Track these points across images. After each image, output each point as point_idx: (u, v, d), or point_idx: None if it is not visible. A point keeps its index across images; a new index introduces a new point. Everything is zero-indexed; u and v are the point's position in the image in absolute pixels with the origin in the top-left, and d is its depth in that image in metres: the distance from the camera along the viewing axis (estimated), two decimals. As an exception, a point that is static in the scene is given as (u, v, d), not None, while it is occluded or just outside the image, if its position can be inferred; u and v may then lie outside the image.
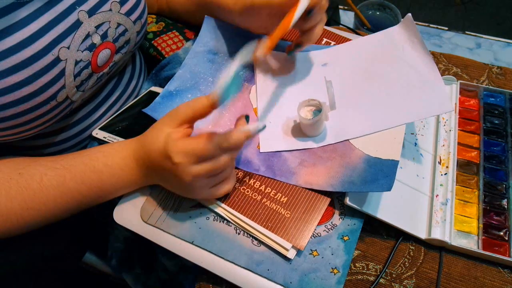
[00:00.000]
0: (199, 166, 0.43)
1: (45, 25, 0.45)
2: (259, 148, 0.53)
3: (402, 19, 0.59)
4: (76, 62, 0.49)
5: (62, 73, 0.47)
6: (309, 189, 0.50)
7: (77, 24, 0.48)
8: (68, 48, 0.47)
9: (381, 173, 0.48)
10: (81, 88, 0.51)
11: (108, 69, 0.55)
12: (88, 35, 0.49)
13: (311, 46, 0.64)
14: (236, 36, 0.63)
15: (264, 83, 0.59)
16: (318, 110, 0.52)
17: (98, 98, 0.60)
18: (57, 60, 0.46)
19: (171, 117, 0.45)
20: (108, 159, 0.47)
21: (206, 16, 0.63)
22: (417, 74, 0.55)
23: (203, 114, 0.44)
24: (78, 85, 0.50)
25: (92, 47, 0.50)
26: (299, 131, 0.54)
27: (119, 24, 0.53)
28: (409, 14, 0.57)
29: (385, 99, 0.54)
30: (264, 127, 0.44)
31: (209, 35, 0.62)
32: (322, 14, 0.52)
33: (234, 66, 0.42)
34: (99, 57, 0.52)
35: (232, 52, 0.62)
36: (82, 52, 0.49)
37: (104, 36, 0.52)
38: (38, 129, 0.50)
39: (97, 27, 0.50)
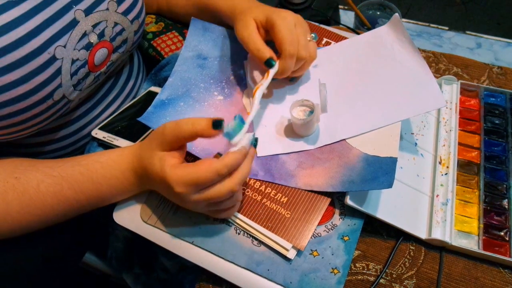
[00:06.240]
0: (200, 194, 0.42)
1: (41, 23, 0.45)
2: (256, 153, 0.53)
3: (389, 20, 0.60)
4: (73, 61, 0.49)
5: (58, 72, 0.47)
6: (309, 191, 0.50)
7: (74, 23, 0.48)
8: (65, 47, 0.47)
9: (381, 171, 0.48)
10: (78, 87, 0.51)
11: (106, 68, 0.55)
12: (84, 34, 0.49)
13: None
14: (225, 38, 0.62)
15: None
16: (312, 111, 0.52)
17: (96, 96, 0.60)
18: (53, 59, 0.46)
19: (159, 139, 0.43)
20: (107, 171, 0.46)
21: (192, 18, 0.62)
22: (408, 72, 0.56)
23: (190, 140, 0.43)
24: (75, 84, 0.50)
25: (89, 46, 0.50)
26: (293, 131, 0.54)
27: (116, 23, 0.53)
28: (396, 14, 0.59)
29: (378, 98, 0.55)
30: (256, 139, 0.44)
31: (197, 39, 0.62)
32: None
33: (250, 117, 0.46)
34: (96, 56, 0.52)
35: (222, 55, 0.61)
36: (78, 51, 0.49)
37: (101, 35, 0.52)
38: (36, 128, 0.49)
39: (94, 26, 0.50)
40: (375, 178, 0.47)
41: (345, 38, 0.67)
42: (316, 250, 0.47)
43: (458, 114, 0.60)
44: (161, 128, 0.43)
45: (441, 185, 0.53)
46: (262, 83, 0.51)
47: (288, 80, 0.58)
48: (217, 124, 0.40)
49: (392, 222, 0.48)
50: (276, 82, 0.59)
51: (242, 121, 0.43)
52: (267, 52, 0.51)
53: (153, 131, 0.44)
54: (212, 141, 0.53)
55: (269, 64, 0.51)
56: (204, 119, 0.41)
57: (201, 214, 0.49)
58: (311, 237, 0.47)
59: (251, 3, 0.58)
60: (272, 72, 0.51)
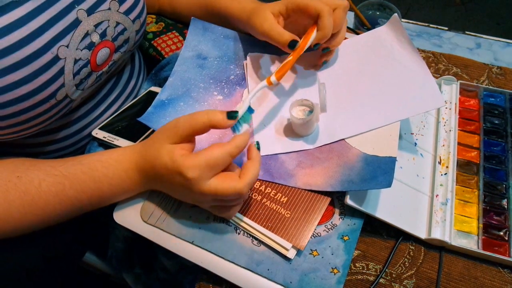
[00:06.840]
0: (210, 185, 0.42)
1: (44, 23, 0.45)
2: None
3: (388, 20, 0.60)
4: (75, 61, 0.49)
5: (61, 72, 0.47)
6: (309, 190, 0.50)
7: (76, 22, 0.48)
8: (67, 46, 0.47)
9: (380, 170, 0.48)
10: (80, 86, 0.51)
11: (108, 68, 0.55)
12: (87, 34, 0.50)
13: None
14: (225, 38, 0.62)
15: (256, 86, 0.59)
16: (311, 110, 0.52)
17: (97, 97, 0.60)
18: (56, 59, 0.46)
19: (171, 132, 0.43)
20: (109, 170, 0.46)
21: (193, 18, 0.62)
22: (408, 72, 0.56)
23: (203, 132, 0.43)
24: (78, 83, 0.50)
25: (91, 46, 0.51)
26: (292, 130, 0.54)
27: (118, 23, 0.53)
28: (395, 14, 0.59)
29: (378, 97, 0.55)
30: (257, 143, 0.46)
31: (197, 39, 0.62)
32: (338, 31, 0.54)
33: (248, 99, 0.45)
34: (98, 55, 0.52)
35: (222, 55, 0.61)
36: (81, 50, 0.49)
37: (103, 35, 0.52)
38: (38, 128, 0.50)
39: (96, 25, 0.50)
40: (374, 178, 0.48)
41: (345, 38, 0.67)
42: (316, 250, 0.47)
43: (457, 114, 0.60)
44: (174, 122, 0.44)
45: (441, 185, 0.53)
46: (288, 59, 0.51)
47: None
48: (232, 115, 0.43)
49: (391, 222, 0.48)
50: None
51: (249, 111, 0.45)
52: (288, 36, 0.52)
53: (162, 126, 0.45)
54: (212, 141, 0.53)
55: (292, 45, 0.52)
56: (219, 111, 0.43)
57: (201, 214, 0.49)
58: (311, 237, 0.47)
59: (260, 3, 0.59)
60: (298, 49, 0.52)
